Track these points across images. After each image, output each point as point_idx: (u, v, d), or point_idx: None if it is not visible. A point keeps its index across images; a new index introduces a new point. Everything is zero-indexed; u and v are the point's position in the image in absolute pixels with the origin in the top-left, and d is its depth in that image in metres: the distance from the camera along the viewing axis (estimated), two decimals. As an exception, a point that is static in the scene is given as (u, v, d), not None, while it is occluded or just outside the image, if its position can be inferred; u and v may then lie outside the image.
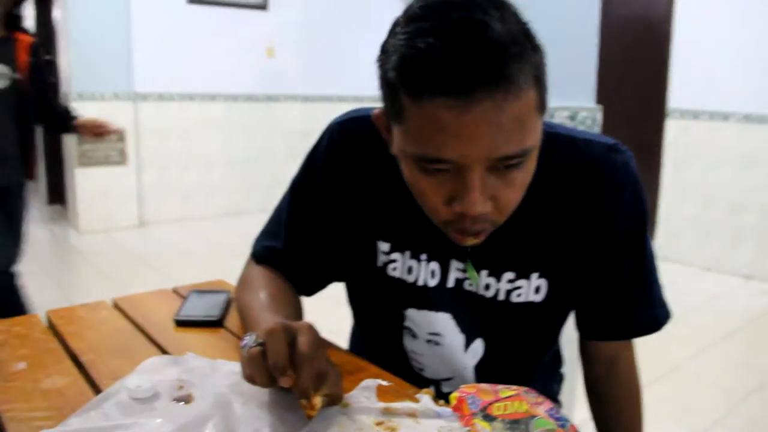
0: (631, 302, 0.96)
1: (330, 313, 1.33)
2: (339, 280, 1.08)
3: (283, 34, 6.12)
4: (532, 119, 0.72)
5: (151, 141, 5.52)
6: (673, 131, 4.71)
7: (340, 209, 0.99)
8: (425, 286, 0.95)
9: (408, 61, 0.69)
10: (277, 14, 6.08)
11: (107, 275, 4.23)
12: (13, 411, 0.75)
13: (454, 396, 0.66)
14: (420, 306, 0.97)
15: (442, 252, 0.93)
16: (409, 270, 0.96)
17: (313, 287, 1.07)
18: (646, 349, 1.03)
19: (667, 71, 4.72)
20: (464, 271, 0.93)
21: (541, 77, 0.72)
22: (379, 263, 0.98)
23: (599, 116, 2.06)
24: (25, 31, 2.60)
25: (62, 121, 2.78)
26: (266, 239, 1.06)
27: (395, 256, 0.96)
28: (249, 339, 0.74)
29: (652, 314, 0.97)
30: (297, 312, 0.99)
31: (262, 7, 6.00)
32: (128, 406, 0.75)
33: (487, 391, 0.67)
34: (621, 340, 1.01)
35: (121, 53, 5.25)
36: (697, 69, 4.55)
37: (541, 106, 0.74)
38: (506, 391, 0.67)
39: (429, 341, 0.99)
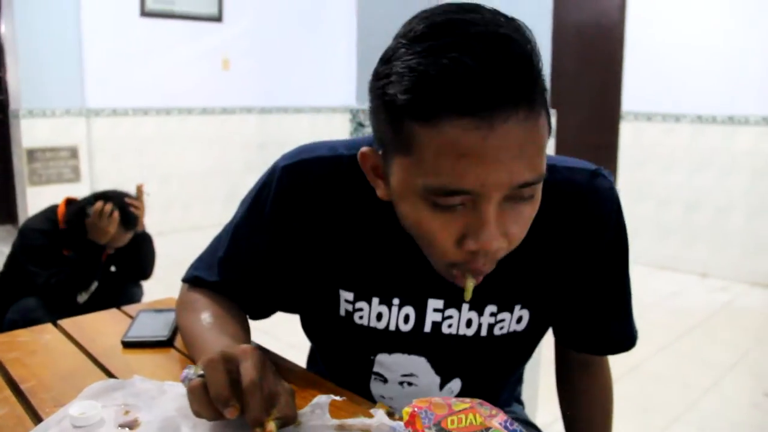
0: (610, 322, 0.97)
1: (288, 326, 1.30)
2: (289, 311, 1.01)
3: (238, 46, 6.07)
4: (545, 145, 0.69)
5: (105, 157, 5.41)
6: (627, 133, 4.80)
7: (292, 254, 0.91)
8: (397, 331, 0.90)
9: (426, 80, 0.63)
10: (232, 26, 6.03)
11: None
12: (-54, 446, 0.72)
13: (407, 411, 0.65)
14: (391, 350, 0.92)
15: (417, 293, 0.89)
16: (379, 317, 0.90)
17: (256, 313, 0.99)
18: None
19: (620, 75, 4.80)
20: (443, 310, 0.89)
21: (547, 99, 0.69)
22: (342, 312, 0.92)
23: (554, 121, 2.08)
24: None
25: None
26: (199, 270, 0.98)
27: (361, 304, 0.90)
28: (188, 371, 0.71)
29: (628, 334, 0.99)
30: (244, 329, 0.92)
31: (217, 19, 5.94)
32: (71, 435, 0.72)
33: (440, 405, 0.65)
34: (598, 355, 1.03)
35: (72, 68, 5.13)
36: (649, 72, 4.64)
37: (549, 128, 0.70)
38: (460, 404, 0.65)
39: (402, 383, 0.95)
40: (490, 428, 0.63)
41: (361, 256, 0.89)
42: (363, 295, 0.90)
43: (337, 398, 0.77)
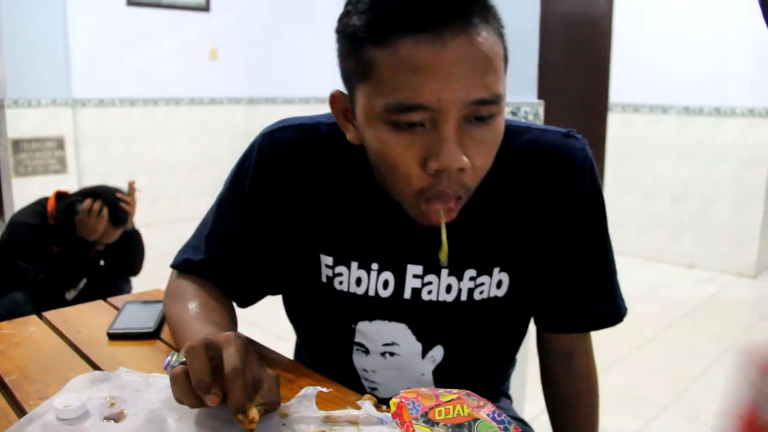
0: (592, 294, 0.96)
1: (277, 317, 1.29)
2: (275, 293, 1.02)
3: (225, 36, 6.03)
4: (501, 68, 0.73)
5: (91, 148, 5.36)
6: (614, 125, 4.80)
7: (275, 224, 0.93)
8: (377, 297, 0.91)
9: (380, 4, 0.69)
10: (220, 15, 5.99)
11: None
12: (-72, 439, 0.71)
13: (394, 402, 0.65)
14: (372, 317, 0.93)
15: (396, 258, 0.90)
16: (358, 281, 0.91)
17: (243, 298, 1.01)
18: (593, 339, 1.03)
19: (608, 66, 4.80)
20: (422, 276, 0.90)
21: (504, 35, 0.74)
22: (323, 278, 0.93)
23: (541, 111, 2.08)
24: None
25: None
26: (186, 252, 1.00)
27: (340, 269, 0.92)
28: (170, 358, 0.71)
29: (613, 307, 0.97)
30: (230, 319, 0.93)
31: (204, 8, 5.89)
32: (55, 428, 0.71)
33: (427, 396, 0.65)
34: (580, 333, 1.00)
35: (58, 58, 5.07)
36: (636, 63, 4.64)
37: (506, 62, 0.75)
38: (447, 395, 0.65)
39: (383, 353, 0.95)
40: (477, 419, 0.63)
41: (340, 220, 0.90)
42: (342, 259, 0.91)
43: (324, 389, 0.77)
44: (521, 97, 2.03)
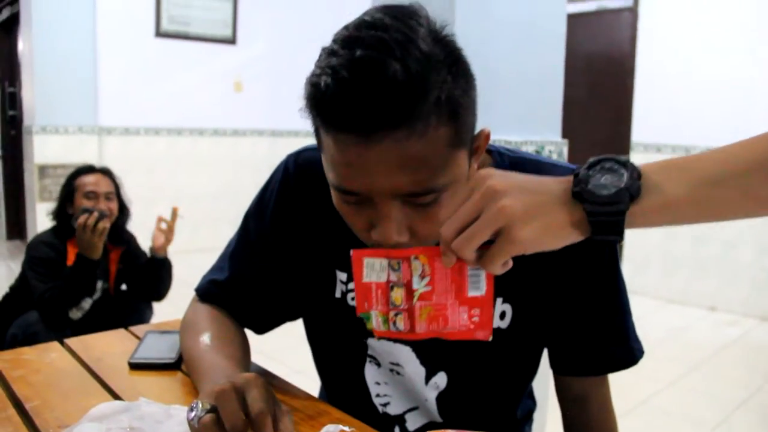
0: (605, 336, 0.93)
1: (295, 351, 1.29)
2: (292, 317, 1.05)
3: (251, 68, 6.12)
4: (442, 157, 0.71)
5: (115, 175, 5.42)
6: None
7: (294, 240, 0.97)
8: None
9: (315, 96, 0.70)
10: (246, 48, 6.09)
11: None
12: (-52, 465, 0.71)
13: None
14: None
15: None
16: None
17: (262, 322, 1.03)
18: (613, 383, 1.01)
19: (630, 106, 4.81)
20: None
21: (458, 110, 0.71)
22: (338, 294, 0.96)
23: (565, 150, 2.07)
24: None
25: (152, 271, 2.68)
26: (211, 274, 1.04)
27: (353, 285, 0.93)
28: (196, 408, 0.70)
29: (627, 349, 0.95)
30: (242, 350, 0.95)
31: (231, 41, 6.00)
32: (74, 457, 0.71)
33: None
34: (595, 376, 0.98)
35: (87, 86, 5.18)
36: (659, 104, 4.64)
37: (458, 140, 0.72)
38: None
39: (391, 370, 0.97)
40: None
41: (354, 238, 0.90)
42: None
43: (346, 429, 0.76)
44: (545, 136, 2.03)
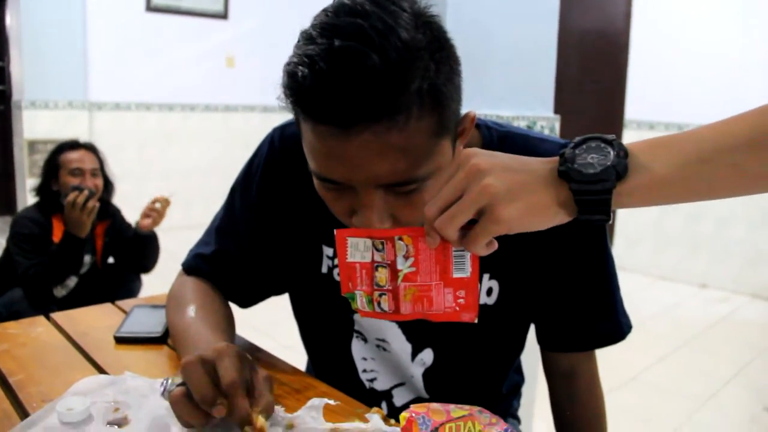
0: (593, 312, 0.93)
1: (284, 326, 1.28)
2: (278, 292, 1.05)
3: (243, 44, 6.06)
4: (425, 147, 0.69)
5: (106, 151, 5.29)
6: (629, 141, 4.77)
7: (280, 215, 0.96)
8: None
9: (292, 86, 0.67)
10: (238, 23, 6.02)
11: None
12: (-71, 438, 0.70)
13: (403, 416, 0.63)
14: None
15: None
16: None
17: (247, 296, 1.03)
18: (604, 358, 1.01)
19: (624, 83, 4.78)
20: None
21: (441, 99, 0.68)
22: (324, 269, 0.96)
23: (557, 126, 2.06)
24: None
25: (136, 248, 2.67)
26: (197, 248, 1.03)
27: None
28: (166, 383, 0.70)
29: (614, 324, 0.94)
30: (227, 321, 0.95)
31: (223, 16, 5.93)
32: (58, 431, 0.70)
33: (438, 411, 0.63)
34: (583, 351, 0.97)
35: (76, 61, 5.12)
36: (653, 81, 4.62)
37: (442, 129, 0.70)
38: (458, 410, 0.64)
39: (378, 346, 0.97)
40: (488, 436, 0.62)
41: None
42: None
43: (331, 402, 0.75)
44: (538, 111, 2.01)
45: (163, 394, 0.69)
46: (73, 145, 2.54)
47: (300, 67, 0.65)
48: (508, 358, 1.02)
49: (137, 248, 2.64)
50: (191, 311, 0.92)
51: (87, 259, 2.51)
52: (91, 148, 2.57)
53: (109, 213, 2.62)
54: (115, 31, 5.35)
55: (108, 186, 2.61)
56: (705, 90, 4.36)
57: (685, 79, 4.44)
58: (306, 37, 0.68)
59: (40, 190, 2.50)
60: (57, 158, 2.48)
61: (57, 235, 2.40)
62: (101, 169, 2.56)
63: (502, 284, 0.91)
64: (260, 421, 0.66)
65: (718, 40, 4.27)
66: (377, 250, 0.70)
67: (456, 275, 0.68)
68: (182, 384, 0.68)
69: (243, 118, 6.23)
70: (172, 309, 0.96)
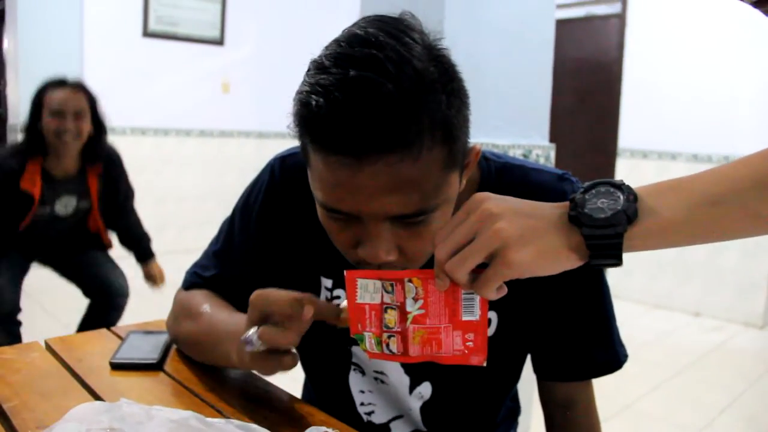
0: (590, 341, 0.93)
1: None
2: None
3: (238, 70, 6.10)
4: (435, 179, 0.69)
5: (101, 175, 5.38)
6: (623, 170, 4.81)
7: (279, 245, 0.96)
8: None
9: (305, 115, 0.67)
10: (234, 50, 6.06)
11: (51, 313, 4.08)
12: None
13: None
14: None
15: None
16: None
17: None
18: (598, 386, 1.01)
19: (617, 112, 4.83)
20: None
21: (452, 131, 0.69)
22: (322, 299, 0.94)
23: (552, 154, 2.08)
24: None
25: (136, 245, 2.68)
26: (195, 269, 1.04)
27: (339, 292, 0.94)
28: (249, 333, 0.75)
29: (611, 354, 0.94)
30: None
31: (219, 42, 5.97)
32: (52, 458, 0.70)
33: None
34: (580, 381, 0.97)
35: (72, 86, 5.13)
36: (646, 110, 4.67)
37: (452, 161, 0.71)
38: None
39: (376, 378, 0.97)
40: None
41: None
42: (341, 282, 0.92)
43: (330, 431, 0.75)
44: (533, 140, 2.03)
45: (246, 342, 0.75)
46: (59, 83, 2.41)
47: (314, 96, 0.65)
48: (505, 388, 1.02)
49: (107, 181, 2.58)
50: (206, 308, 0.93)
51: (73, 202, 2.44)
52: (78, 86, 2.43)
53: (100, 157, 2.51)
54: (111, 56, 5.37)
55: (100, 128, 2.47)
56: (697, 120, 4.40)
57: (678, 109, 4.49)
58: (318, 67, 0.67)
59: (27, 130, 2.39)
60: (41, 97, 2.37)
61: (27, 182, 2.31)
62: (92, 110, 2.42)
63: (501, 316, 0.91)
64: (344, 312, 0.75)
65: (710, 69, 4.33)
66: (387, 291, 0.70)
67: (465, 318, 0.68)
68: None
69: (238, 143, 6.25)
70: (183, 317, 0.97)
